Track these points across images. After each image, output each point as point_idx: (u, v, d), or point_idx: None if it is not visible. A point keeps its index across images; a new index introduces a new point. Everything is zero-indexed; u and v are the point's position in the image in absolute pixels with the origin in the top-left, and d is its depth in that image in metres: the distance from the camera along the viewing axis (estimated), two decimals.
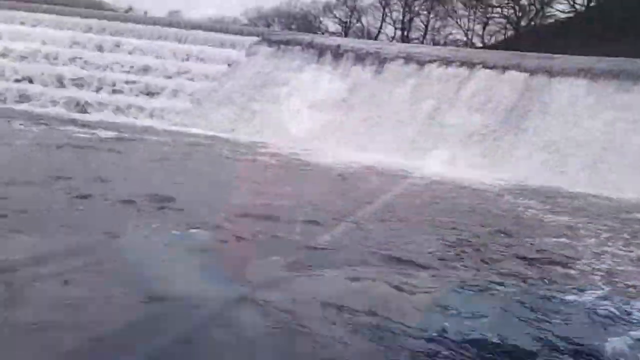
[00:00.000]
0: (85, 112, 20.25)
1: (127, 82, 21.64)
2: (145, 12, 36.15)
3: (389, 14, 61.52)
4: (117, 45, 23.25)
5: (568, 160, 16.40)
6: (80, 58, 22.45)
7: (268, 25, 61.64)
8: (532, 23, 54.26)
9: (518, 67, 19.96)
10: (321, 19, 63.00)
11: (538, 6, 54.24)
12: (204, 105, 21.06)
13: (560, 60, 20.37)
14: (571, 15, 51.53)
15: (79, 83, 21.32)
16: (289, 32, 36.50)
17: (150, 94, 21.47)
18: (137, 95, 21.40)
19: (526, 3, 55.15)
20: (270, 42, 23.56)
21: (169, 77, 22.09)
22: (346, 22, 62.76)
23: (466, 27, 58.61)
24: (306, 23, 61.98)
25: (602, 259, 6.27)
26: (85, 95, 20.99)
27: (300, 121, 19.09)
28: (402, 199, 9.58)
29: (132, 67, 22.39)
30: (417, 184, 12.22)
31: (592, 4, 50.24)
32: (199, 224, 6.00)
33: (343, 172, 12.79)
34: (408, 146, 18.05)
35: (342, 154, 16.07)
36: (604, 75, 18.67)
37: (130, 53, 23.03)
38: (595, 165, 16.07)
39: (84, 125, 16.59)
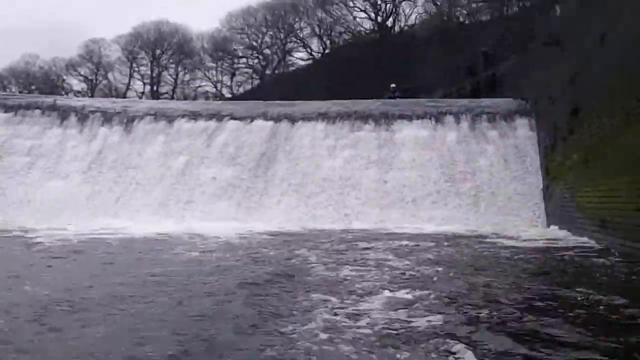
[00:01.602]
0: None
1: None
2: None
3: (136, 69, 60.99)
4: None
5: (314, 201, 17.71)
6: None
7: (4, 88, 57.68)
8: (276, 71, 57.53)
9: (264, 116, 21.07)
10: (64, 77, 60.46)
11: (280, 55, 57.68)
12: None
13: (301, 106, 21.90)
14: (310, 62, 55.64)
15: None
16: (27, 95, 34.69)
17: None
18: None
19: (269, 52, 58.40)
20: (6, 107, 21.96)
21: None
22: (92, 80, 60.88)
23: (215, 78, 60.25)
24: (48, 83, 58.98)
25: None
26: None
27: (44, 194, 18.36)
28: (151, 261, 9.65)
29: None
30: (168, 243, 12.32)
31: (327, 51, 54.72)
32: None
33: (88, 244, 12.19)
34: (160, 207, 18.04)
35: (91, 224, 15.41)
36: (339, 117, 20.52)
37: None
38: (337, 202, 17.60)
39: None
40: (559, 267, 8.60)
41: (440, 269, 8.33)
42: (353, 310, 5.62)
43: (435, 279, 7.46)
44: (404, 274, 7.85)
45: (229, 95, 57.27)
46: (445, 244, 11.88)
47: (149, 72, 60.77)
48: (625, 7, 10.48)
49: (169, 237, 13.23)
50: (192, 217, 17.10)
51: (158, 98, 54.31)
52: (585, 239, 11.85)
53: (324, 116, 20.71)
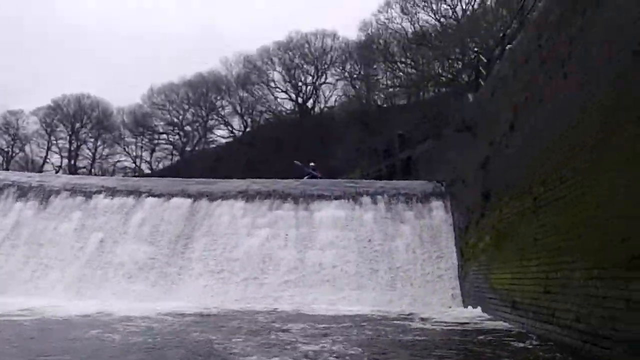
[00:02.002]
0: None
1: None
2: None
3: (55, 142, 59.93)
4: None
5: (232, 280, 17.46)
6: None
7: None
8: (197, 148, 57.60)
9: (182, 194, 20.87)
10: None
11: (201, 132, 57.91)
12: None
13: (220, 184, 21.83)
14: (231, 140, 56.12)
15: None
16: None
17: None
18: None
19: (190, 129, 58.57)
20: None
21: None
22: (8, 152, 59.30)
23: (134, 153, 59.77)
24: None
25: None
26: None
27: None
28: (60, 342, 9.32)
29: None
30: (81, 325, 11.86)
31: (248, 129, 55.40)
32: None
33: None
34: (75, 285, 17.44)
35: (2, 304, 14.55)
36: (258, 195, 20.57)
37: None
38: (255, 281, 17.40)
39: None
40: (477, 351, 8.70)
41: (357, 352, 8.32)
42: None
43: None
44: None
45: (148, 171, 56.80)
46: (362, 325, 11.91)
47: (67, 146, 59.77)
48: (527, 101, 11.16)
49: (83, 318, 12.69)
50: (107, 296, 16.56)
51: (76, 172, 53.27)
52: (499, 321, 12.14)
53: (243, 194, 20.69)
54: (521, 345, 8.88)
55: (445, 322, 12.54)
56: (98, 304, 15.00)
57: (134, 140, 59.45)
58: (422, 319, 13.17)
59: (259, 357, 7.81)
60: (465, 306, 15.77)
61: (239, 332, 10.53)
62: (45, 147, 59.60)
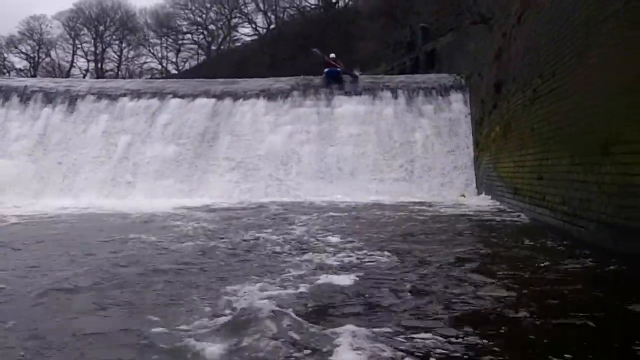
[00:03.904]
0: None
1: None
2: None
3: (80, 46, 60.17)
4: None
5: (256, 176, 18.30)
6: None
7: None
8: (222, 47, 57.47)
9: (206, 94, 21.38)
10: (5, 55, 59.16)
11: (225, 31, 57.59)
12: None
13: (243, 83, 22.18)
14: (255, 37, 55.81)
15: None
16: None
17: None
18: None
19: (214, 28, 58.28)
20: None
21: None
22: (34, 57, 59.72)
23: (159, 54, 59.88)
24: None
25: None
26: None
27: None
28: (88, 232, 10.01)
29: None
30: (115, 222, 12.60)
31: (272, 27, 54.92)
32: None
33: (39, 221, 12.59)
34: (107, 185, 18.49)
35: (39, 204, 15.74)
36: (280, 94, 21.00)
37: None
38: (279, 176, 18.23)
39: None
40: (486, 236, 9.27)
41: (389, 235, 9.04)
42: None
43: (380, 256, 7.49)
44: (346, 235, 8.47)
45: (175, 72, 57.06)
46: (384, 213, 12.69)
47: (92, 49, 60.01)
48: None
49: (126, 216, 13.26)
50: (138, 194, 17.56)
51: (103, 75, 53.89)
52: (505, 207, 12.82)
53: (265, 93, 21.08)
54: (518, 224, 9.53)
55: (455, 209, 13.25)
56: (132, 202, 16.01)
57: (158, 41, 59.48)
58: (435, 207, 13.87)
59: (294, 255, 8.45)
60: (478, 194, 16.42)
61: (270, 226, 11.00)
62: (71, 52, 59.99)
